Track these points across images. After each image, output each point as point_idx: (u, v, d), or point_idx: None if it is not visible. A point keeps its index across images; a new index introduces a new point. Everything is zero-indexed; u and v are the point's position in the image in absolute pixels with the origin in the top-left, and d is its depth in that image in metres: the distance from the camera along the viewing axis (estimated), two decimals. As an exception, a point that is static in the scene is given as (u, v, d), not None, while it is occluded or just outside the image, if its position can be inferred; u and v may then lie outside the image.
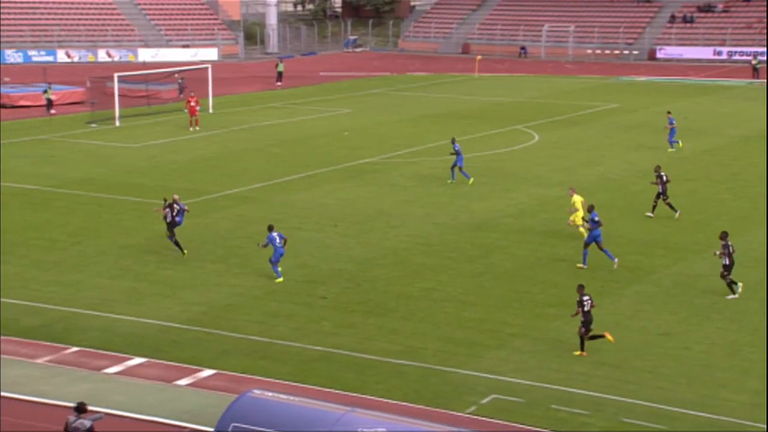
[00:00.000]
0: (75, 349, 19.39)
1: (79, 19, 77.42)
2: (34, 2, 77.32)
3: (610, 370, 18.74)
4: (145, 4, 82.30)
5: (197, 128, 44.92)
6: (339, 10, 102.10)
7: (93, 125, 45.75)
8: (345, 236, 27.53)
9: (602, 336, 19.67)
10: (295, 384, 17.84)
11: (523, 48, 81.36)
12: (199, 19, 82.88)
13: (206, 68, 52.23)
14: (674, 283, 23.71)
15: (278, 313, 21.59)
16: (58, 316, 21.20)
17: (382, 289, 23.22)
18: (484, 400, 17.38)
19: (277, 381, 17.91)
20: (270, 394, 14.26)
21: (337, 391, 17.54)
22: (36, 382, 17.79)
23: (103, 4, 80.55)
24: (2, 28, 73.35)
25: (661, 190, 29.42)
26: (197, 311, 21.63)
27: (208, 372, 18.37)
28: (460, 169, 33.90)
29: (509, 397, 17.52)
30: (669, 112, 41.50)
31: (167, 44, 78.39)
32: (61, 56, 73.21)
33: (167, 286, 23.26)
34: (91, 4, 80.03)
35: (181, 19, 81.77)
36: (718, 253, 23.01)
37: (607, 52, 78.75)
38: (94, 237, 27.13)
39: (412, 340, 20.13)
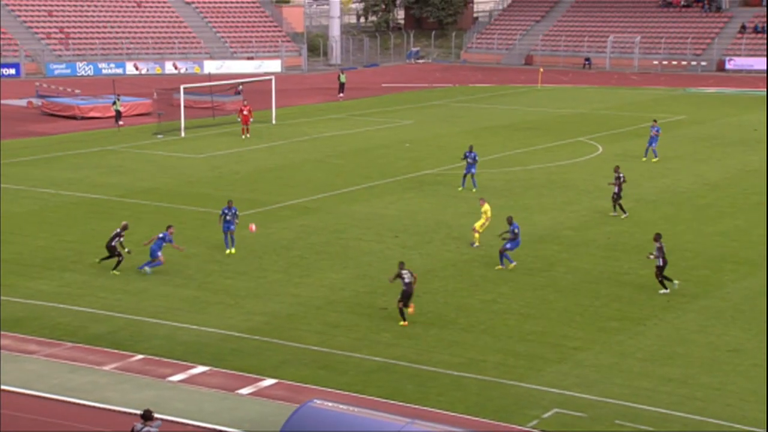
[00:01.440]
0: (140, 356, 19.71)
1: (147, 33, 79.06)
2: (104, 16, 79.22)
3: (677, 386, 18.36)
4: (211, 17, 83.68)
5: (248, 136, 45.58)
6: (402, 21, 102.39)
7: (159, 136, 46.60)
8: (405, 247, 27.53)
9: (407, 309, 21.14)
10: (355, 394, 17.86)
11: (587, 59, 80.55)
12: (263, 31, 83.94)
13: (270, 80, 52.82)
14: (743, 299, 23.16)
15: (339, 323, 21.66)
16: (124, 324, 21.58)
17: (442, 300, 23.15)
18: (546, 415, 17.17)
19: (337, 391, 17.96)
20: (330, 404, 14.30)
21: (397, 403, 17.50)
22: (102, 389, 18.12)
23: (171, 17, 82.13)
24: (74, 41, 75.36)
25: (616, 191, 30.38)
26: (259, 320, 21.82)
27: (269, 381, 18.50)
28: (472, 176, 34.20)
29: (572, 411, 17.28)
30: (655, 121, 41.58)
31: (232, 56, 79.53)
32: (130, 68, 74.80)
33: (229, 295, 23.53)
34: (159, 17, 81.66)
35: (246, 32, 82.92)
36: (652, 256, 23.30)
37: (674, 63, 77.51)
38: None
39: (473, 352, 20.00)
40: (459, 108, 57.87)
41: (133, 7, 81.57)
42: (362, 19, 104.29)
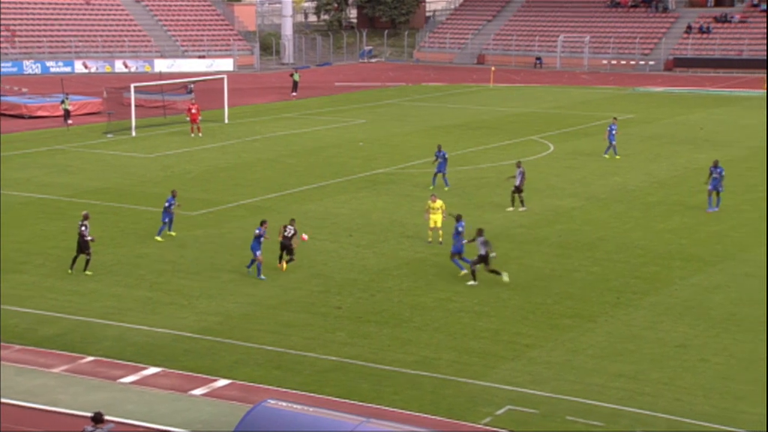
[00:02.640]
0: (91, 358, 19.44)
1: (97, 31, 77.98)
2: (52, 14, 77.97)
3: (627, 381, 18.63)
4: (161, 15, 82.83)
5: (200, 135, 45.29)
6: (354, 20, 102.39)
7: (109, 135, 46.01)
8: (359, 246, 27.53)
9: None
10: (310, 394, 17.82)
11: (538, 58, 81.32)
12: (215, 30, 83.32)
13: (222, 79, 52.47)
14: (692, 295, 23.57)
15: (293, 323, 21.59)
16: (75, 326, 21.28)
17: (396, 299, 23.20)
18: (500, 412, 17.30)
19: (291, 391, 17.90)
20: (284, 404, 14.24)
21: (352, 402, 17.50)
22: (52, 392, 17.85)
23: (121, 15, 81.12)
24: (21, 39, 74.00)
25: (518, 184, 31.03)
26: (212, 321, 21.66)
27: (222, 382, 18.38)
28: (443, 175, 34.32)
29: (525, 408, 17.44)
30: (615, 118, 42.41)
31: (183, 55, 78.83)
32: (79, 67, 73.75)
33: (182, 295, 23.32)
34: (109, 15, 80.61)
35: (198, 30, 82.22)
36: (469, 239, 24.52)
37: (623, 62, 78.60)
38: (111, 246, 27.24)
39: (427, 350, 20.08)
40: (412, 107, 58.01)
41: (82, 5, 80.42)
42: (314, 18, 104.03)
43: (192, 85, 56.11)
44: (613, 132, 40.57)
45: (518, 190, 31.51)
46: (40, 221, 29.94)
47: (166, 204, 28.05)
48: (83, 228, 24.79)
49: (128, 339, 20.50)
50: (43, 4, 78.57)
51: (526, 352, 19.97)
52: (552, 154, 42.43)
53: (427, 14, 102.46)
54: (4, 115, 51.81)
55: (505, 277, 24.08)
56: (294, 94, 62.82)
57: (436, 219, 27.55)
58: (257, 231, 24.70)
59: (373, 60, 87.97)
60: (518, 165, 31.93)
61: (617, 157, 40.55)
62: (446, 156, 34.73)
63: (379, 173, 37.77)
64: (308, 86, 66.55)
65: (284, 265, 25.06)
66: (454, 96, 63.44)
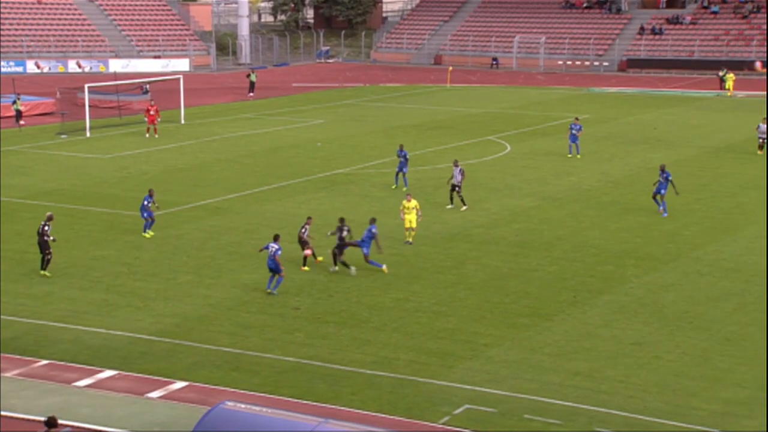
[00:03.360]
0: (45, 362, 19.16)
1: (49, 30, 76.86)
2: (2, 13, 76.65)
3: (583, 379, 18.82)
4: (116, 15, 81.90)
5: (156, 136, 44.91)
6: (311, 21, 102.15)
7: (63, 136, 45.37)
8: (318, 247, 27.42)
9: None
10: (268, 395, 17.75)
11: (494, 59, 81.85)
12: (170, 29, 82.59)
13: (178, 79, 52.03)
14: (646, 293, 23.89)
15: (251, 324, 21.49)
16: (28, 329, 20.95)
17: (354, 299, 23.20)
18: (458, 411, 17.38)
19: (250, 392, 17.82)
20: (242, 405, 14.18)
21: (310, 403, 17.47)
22: (5, 396, 17.55)
23: (74, 15, 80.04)
24: (-29, 38, 72.74)
25: (456, 182, 31.46)
26: (169, 323, 21.47)
27: (179, 384, 18.23)
28: (404, 175, 34.44)
29: (482, 407, 17.54)
30: (576, 119, 42.93)
31: (138, 55, 78.03)
32: (31, 67, 72.63)
33: (139, 297, 23.09)
34: (61, 15, 79.49)
35: (153, 30, 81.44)
36: (329, 233, 25.59)
37: (578, 63, 79.41)
38: (65, 248, 26.86)
39: (386, 350, 20.11)
40: (370, 107, 58.03)
41: (34, 4, 79.20)
42: (270, 18, 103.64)
43: (148, 86, 55.59)
44: (573, 131, 41.14)
45: (457, 187, 31.64)
46: (-8, 223, 29.44)
47: (144, 202, 27.95)
48: (46, 228, 24.40)
49: (84, 342, 20.24)
50: (-6, 2, 77.26)
51: (483, 351, 20.09)
52: (509, 154, 42.72)
53: (384, 14, 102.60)
54: (-45, 115, 50.84)
55: (353, 271, 24.69)
56: (251, 94, 62.51)
57: (411, 219, 27.63)
58: (273, 249, 23.11)
59: (331, 60, 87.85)
60: (456, 164, 32.17)
61: (578, 156, 40.95)
62: (407, 156, 34.85)
63: (337, 173, 37.74)
64: (265, 86, 66.26)
65: (309, 260, 25.32)
66: (412, 96, 63.58)
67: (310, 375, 18.79)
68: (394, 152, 42.17)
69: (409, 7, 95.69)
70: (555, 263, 26.28)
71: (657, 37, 79.50)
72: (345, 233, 25.23)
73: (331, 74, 77.22)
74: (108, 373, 18.67)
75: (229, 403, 14.19)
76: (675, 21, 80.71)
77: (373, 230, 25.08)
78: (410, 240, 27.87)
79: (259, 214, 31.10)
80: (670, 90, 66.75)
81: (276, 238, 23.61)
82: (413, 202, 27.70)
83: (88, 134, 45.54)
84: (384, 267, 25.12)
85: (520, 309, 22.66)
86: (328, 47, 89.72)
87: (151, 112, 45.60)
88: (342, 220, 25.64)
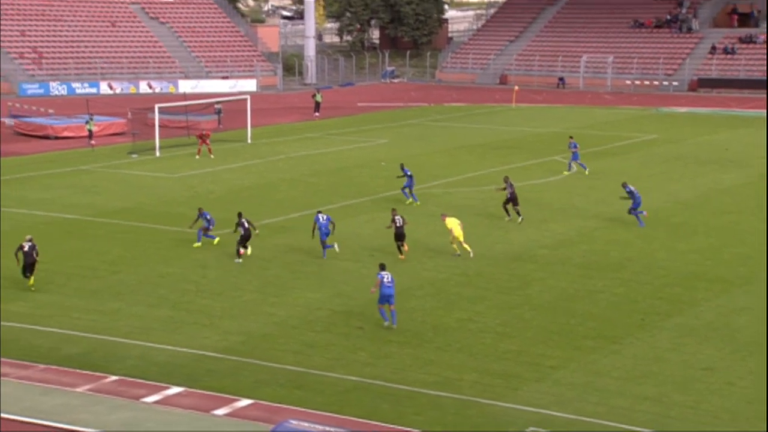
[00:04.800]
0: (113, 377, 19.53)
1: (122, 52, 78.80)
2: (77, 36, 78.94)
3: (651, 404, 18.46)
4: (186, 36, 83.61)
5: (211, 156, 45.24)
6: (377, 41, 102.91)
7: (134, 156, 46.38)
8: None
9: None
10: (331, 414, 17.80)
11: (561, 79, 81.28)
12: (238, 50, 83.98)
13: (245, 99, 52.80)
14: (717, 317, 23.35)
15: (315, 343, 21.60)
16: (98, 345, 21.39)
17: (419, 319, 23.16)
18: (522, 434, 17.19)
19: (313, 411, 17.88)
20: (306, 424, 14.24)
21: (373, 422, 17.46)
22: (75, 411, 17.93)
23: (145, 37, 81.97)
24: (48, 61, 74.97)
25: (510, 197, 32.36)
26: (234, 340, 21.71)
27: (244, 402, 18.39)
28: (410, 191, 35.60)
29: (548, 430, 17.31)
30: (571, 137, 43.03)
31: (207, 76, 79.46)
32: (104, 88, 74.48)
33: (205, 315, 23.41)
34: (134, 37, 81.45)
35: (221, 51, 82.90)
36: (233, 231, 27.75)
37: (647, 83, 78.39)
38: (133, 266, 27.42)
39: (449, 371, 20.01)
40: (434, 127, 58.09)
41: (107, 26, 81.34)
42: (333, 39, 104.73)
43: (219, 105, 56.53)
44: (573, 150, 41.78)
45: (515, 203, 32.45)
46: (63, 241, 30.19)
47: (208, 225, 29.18)
48: (35, 250, 25.08)
49: (151, 358, 20.58)
50: (69, 25, 79.56)
51: (549, 374, 19.85)
52: (575, 174, 42.29)
53: (450, 35, 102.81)
54: (31, 135, 52.39)
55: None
56: (317, 114, 63.14)
57: (457, 235, 27.88)
58: (388, 277, 22.32)
59: (396, 80, 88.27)
60: (505, 179, 33.02)
61: (586, 172, 41.45)
62: (408, 173, 35.65)
63: (401, 193, 37.79)
64: (331, 106, 66.86)
65: (403, 251, 27.87)
66: (477, 116, 63.47)
67: (374, 395, 18.79)
68: (457, 172, 42.06)
69: (475, 27, 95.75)
70: (622, 285, 25.89)
71: (729, 56, 78.04)
72: (400, 224, 28.08)
73: (396, 94, 77.57)
74: (175, 389, 18.95)
75: (293, 422, 14.27)
76: (748, 40, 79.17)
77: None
78: (459, 252, 28.24)
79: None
80: (742, 110, 65.40)
81: (383, 267, 22.96)
82: (450, 220, 28.09)
83: (157, 154, 46.49)
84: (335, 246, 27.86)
85: (586, 331, 22.35)
86: (393, 67, 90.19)
87: (204, 133, 46.18)
88: (394, 210, 28.65)
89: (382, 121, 60.84)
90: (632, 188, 32.01)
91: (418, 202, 35.16)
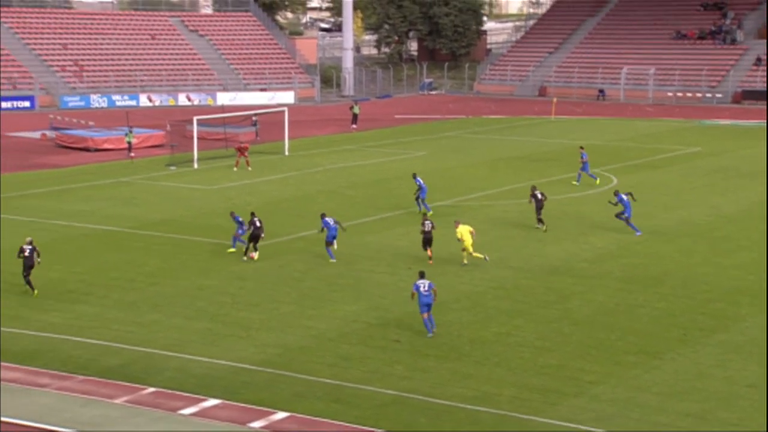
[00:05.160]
0: (152, 389, 19.72)
1: (161, 65, 79.87)
2: (118, 49, 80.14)
3: (694, 421, 18.22)
4: (224, 49, 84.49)
5: (249, 168, 45.54)
6: (415, 53, 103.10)
7: (172, 168, 46.89)
8: (419, 279, 27.52)
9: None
10: (368, 428, 17.80)
11: (601, 91, 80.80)
12: (276, 63, 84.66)
13: (283, 111, 53.17)
14: (761, 333, 22.99)
15: (351, 355, 21.64)
16: (136, 357, 21.62)
17: (456, 333, 23.11)
18: (561, 450, 17.06)
19: (349, 425, 17.91)
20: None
21: (410, 437, 17.42)
22: (114, 423, 18.12)
23: (184, 49, 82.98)
24: (88, 74, 76.21)
25: (536, 207, 33.03)
26: (271, 353, 21.82)
27: (281, 414, 18.47)
28: (423, 200, 36.01)
29: (587, 447, 17.16)
30: (581, 148, 43.06)
31: (245, 88, 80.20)
32: (143, 100, 75.49)
33: (242, 327, 23.56)
34: (173, 49, 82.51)
35: (260, 64, 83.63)
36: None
37: (689, 95, 77.63)
38: (171, 278, 27.70)
39: (487, 385, 19.93)
40: (472, 139, 58.03)
41: (147, 39, 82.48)
42: (371, 51, 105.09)
43: (256, 117, 56.99)
44: (584, 160, 41.89)
45: (538, 213, 33.04)
46: (102, 253, 30.59)
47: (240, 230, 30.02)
48: (36, 252, 25.84)
49: (189, 370, 20.75)
50: (109, 38, 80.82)
51: (589, 389, 19.69)
52: (616, 187, 41.95)
53: (488, 46, 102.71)
54: (71, 148, 53.21)
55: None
56: (354, 126, 63.38)
57: (467, 243, 28.38)
58: (426, 284, 22.51)
59: (434, 92, 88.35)
60: (532, 189, 33.58)
61: (596, 182, 41.83)
62: (422, 183, 36.11)
63: (438, 206, 37.78)
64: (368, 118, 67.08)
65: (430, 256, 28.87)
66: (515, 128, 63.28)
67: (411, 409, 18.77)
68: (495, 184, 41.97)
69: (513, 38, 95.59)
70: (663, 300, 25.62)
71: (775, 67, 77.09)
72: (428, 229, 29.04)
73: (434, 106, 77.61)
74: (212, 402, 19.08)
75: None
76: (793, 50, 78.15)
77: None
78: (467, 262, 28.66)
79: (360, 245, 31.38)
80: (787, 121, 64.45)
81: (422, 275, 23.15)
82: (461, 228, 28.45)
83: (195, 166, 46.95)
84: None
85: (626, 346, 22.14)
86: (431, 79, 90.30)
87: (242, 145, 46.48)
88: (425, 214, 30.38)
89: (420, 133, 60.89)
90: (624, 197, 32.45)
91: (431, 212, 35.31)
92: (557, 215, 35.68)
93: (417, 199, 36.33)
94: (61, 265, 28.93)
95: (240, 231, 30.03)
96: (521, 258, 29.80)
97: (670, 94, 77.98)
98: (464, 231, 28.40)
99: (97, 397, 19.22)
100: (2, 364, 20.83)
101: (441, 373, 20.57)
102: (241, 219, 30.13)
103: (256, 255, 29.14)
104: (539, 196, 33.04)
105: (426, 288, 22.62)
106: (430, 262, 28.71)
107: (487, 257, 28.69)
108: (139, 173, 45.57)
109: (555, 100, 72.53)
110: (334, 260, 28.80)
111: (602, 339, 22.62)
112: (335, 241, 29.75)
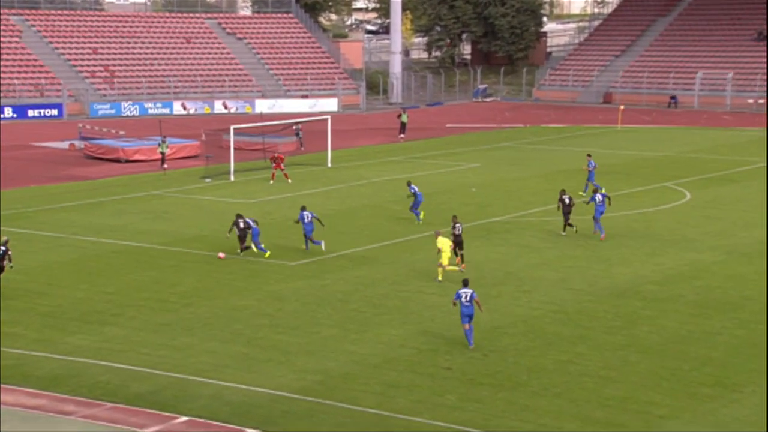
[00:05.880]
0: (184, 418, 19.85)
1: (196, 70, 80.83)
2: (150, 53, 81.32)
3: (776, 461, 17.85)
4: (264, 53, 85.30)
5: (289, 181, 45.98)
6: (468, 57, 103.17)
7: (207, 180, 47.39)
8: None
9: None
10: (416, 463, 17.73)
11: (673, 97, 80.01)
12: (319, 68, 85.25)
13: (326, 119, 53.49)
14: None
15: (398, 383, 21.60)
16: (167, 383, 21.80)
17: (512, 360, 22.96)
18: (628, 490, 16.82)
19: (396, 459, 17.84)
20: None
21: (461, 473, 17.32)
22: (142, 451, 18.27)
23: (221, 54, 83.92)
24: (120, 80, 77.42)
25: (564, 212, 34.63)
26: (312, 380, 21.87)
27: (321, 447, 18.48)
28: (416, 208, 37.33)
29: (657, 487, 16.90)
30: (589, 155, 43.41)
31: (285, 95, 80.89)
32: (177, 108, 76.50)
33: (281, 351, 23.66)
34: (209, 54, 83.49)
35: (301, 69, 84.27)
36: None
37: (771, 101, 76.56)
38: (206, 298, 27.94)
39: (547, 418, 19.76)
40: (530, 150, 57.80)
41: (182, 43, 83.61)
42: (421, 54, 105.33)
43: (298, 126, 57.33)
44: (590, 169, 42.19)
45: (566, 217, 34.55)
46: (133, 271, 30.96)
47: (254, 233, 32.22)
48: (7, 255, 27.42)
49: (224, 398, 20.88)
50: (141, 43, 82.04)
51: (659, 424, 19.41)
52: (689, 202, 41.49)
53: (548, 49, 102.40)
54: (101, 158, 54.04)
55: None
56: (402, 135, 63.50)
57: (444, 256, 28.87)
58: (467, 294, 23.48)
59: (488, 99, 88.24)
60: (561, 193, 34.91)
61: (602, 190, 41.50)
62: (416, 191, 37.08)
63: (494, 221, 37.66)
64: (417, 127, 67.18)
65: (460, 263, 30.09)
66: (577, 138, 62.92)
67: (462, 442, 18.66)
68: (555, 199, 41.83)
69: (576, 40, 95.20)
70: (743, 326, 25.19)
71: None
72: (459, 232, 30.39)
73: (489, 114, 77.48)
74: None
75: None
76: None
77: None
78: (440, 279, 29.04)
79: (408, 264, 31.37)
80: None
81: (466, 283, 23.89)
82: (440, 239, 29.04)
83: (232, 178, 47.40)
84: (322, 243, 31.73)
85: (702, 377, 21.81)
86: (485, 85, 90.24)
87: (277, 157, 46.78)
88: (455, 216, 31.24)
89: (473, 143, 60.81)
90: (599, 196, 34.70)
91: (420, 222, 36.90)
92: (624, 232, 35.32)
93: (412, 209, 37.45)
94: (89, 284, 29.36)
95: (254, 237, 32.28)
96: (584, 279, 29.55)
97: (750, 100, 76.91)
98: (445, 243, 29.24)
99: (125, 426, 19.40)
100: (25, 389, 21.15)
101: (496, 404, 20.44)
102: (252, 223, 32.26)
103: (223, 254, 32.01)
104: (567, 200, 34.51)
105: (468, 298, 23.42)
106: (463, 266, 29.87)
107: (462, 267, 29.57)
108: (172, 186, 46.12)
109: (622, 107, 71.99)
110: (308, 250, 32.38)
111: (674, 369, 22.31)
112: (323, 243, 32.14)
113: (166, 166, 50.87)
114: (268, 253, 31.88)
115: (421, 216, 37.17)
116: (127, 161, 53.07)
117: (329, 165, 51.45)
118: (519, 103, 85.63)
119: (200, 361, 23.02)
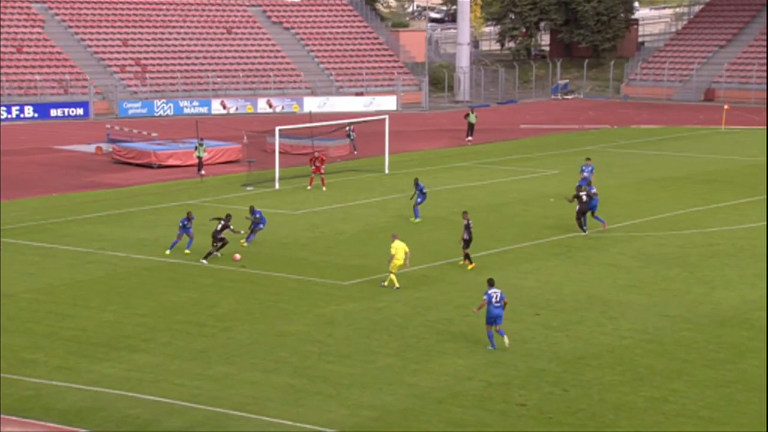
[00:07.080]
0: (221, 456, 20.01)
1: (238, 64, 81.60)
2: (187, 46, 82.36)
3: None
4: (314, 45, 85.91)
5: (323, 189, 46.10)
6: (546, 48, 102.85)
7: (249, 188, 47.80)
8: (549, 328, 27.27)
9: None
10: None
11: (785, 93, 78.91)
12: (376, 61, 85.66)
13: (383, 120, 53.66)
14: None
15: (465, 421, 21.56)
16: (204, 418, 22.00)
17: (596, 396, 22.81)
18: None
19: None
20: None
21: None
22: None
23: (266, 46, 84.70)
24: (152, 75, 78.46)
25: (579, 209, 36.85)
26: (366, 416, 21.91)
27: (377, 493, 18.50)
28: (418, 205, 39.71)
29: None
30: (588, 159, 45.04)
31: (338, 92, 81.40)
32: (216, 107, 77.35)
33: (331, 383, 23.75)
34: (252, 46, 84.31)
35: (356, 62, 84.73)
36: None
37: None
38: (247, 322, 28.16)
39: (636, 465, 19.56)
40: (618, 155, 57.40)
41: (222, 34, 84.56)
42: (493, 46, 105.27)
43: (351, 127, 57.57)
44: (585, 173, 42.55)
45: (581, 214, 36.65)
46: (167, 290, 31.33)
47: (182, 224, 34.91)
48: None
49: (266, 435, 21.01)
50: (177, 33, 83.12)
51: (768, 473, 19.09)
52: (803, 215, 40.82)
53: (640, 39, 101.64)
54: (131, 164, 54.76)
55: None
56: (469, 138, 63.49)
57: (396, 262, 30.34)
58: (497, 294, 25.51)
59: (569, 96, 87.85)
60: (577, 189, 37.07)
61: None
62: (423, 189, 39.79)
63: (575, 237, 37.46)
64: (487, 129, 67.09)
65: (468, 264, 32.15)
66: (674, 141, 62.35)
67: (539, 491, 18.55)
68: (647, 211, 41.39)
69: (673, 29, 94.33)
70: None
71: None
72: (469, 226, 32.51)
73: (570, 113, 77.08)
74: (293, 473, 19.25)
75: None
76: None
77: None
78: (386, 283, 30.72)
79: (474, 285, 31.29)
80: None
81: (491, 283, 25.69)
82: (396, 244, 30.43)
83: (276, 186, 47.76)
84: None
85: (819, 420, 21.41)
86: (566, 80, 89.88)
87: (317, 160, 46.77)
88: (465, 212, 33.50)
89: (552, 147, 60.55)
90: (585, 193, 36.93)
91: (416, 220, 39.33)
92: (730, 252, 34.90)
93: (415, 206, 39.73)
94: (118, 305, 29.77)
95: (261, 226, 35.31)
96: (682, 305, 29.24)
97: None
98: (400, 248, 30.40)
99: (156, 465, 19.62)
100: (45, 424, 21.45)
101: (577, 447, 20.30)
102: (259, 214, 35.19)
103: (215, 255, 34.22)
104: (584, 198, 36.53)
105: (498, 299, 24.92)
106: (472, 265, 32.65)
107: (396, 286, 30.51)
108: (210, 194, 46.60)
109: (726, 105, 71.17)
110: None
111: (786, 409, 21.96)
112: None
113: (203, 172, 51.41)
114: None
115: (415, 220, 39.31)
116: (160, 167, 53.71)
117: (386, 171, 51.59)
118: (605, 101, 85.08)
119: (240, 394, 23.20)
